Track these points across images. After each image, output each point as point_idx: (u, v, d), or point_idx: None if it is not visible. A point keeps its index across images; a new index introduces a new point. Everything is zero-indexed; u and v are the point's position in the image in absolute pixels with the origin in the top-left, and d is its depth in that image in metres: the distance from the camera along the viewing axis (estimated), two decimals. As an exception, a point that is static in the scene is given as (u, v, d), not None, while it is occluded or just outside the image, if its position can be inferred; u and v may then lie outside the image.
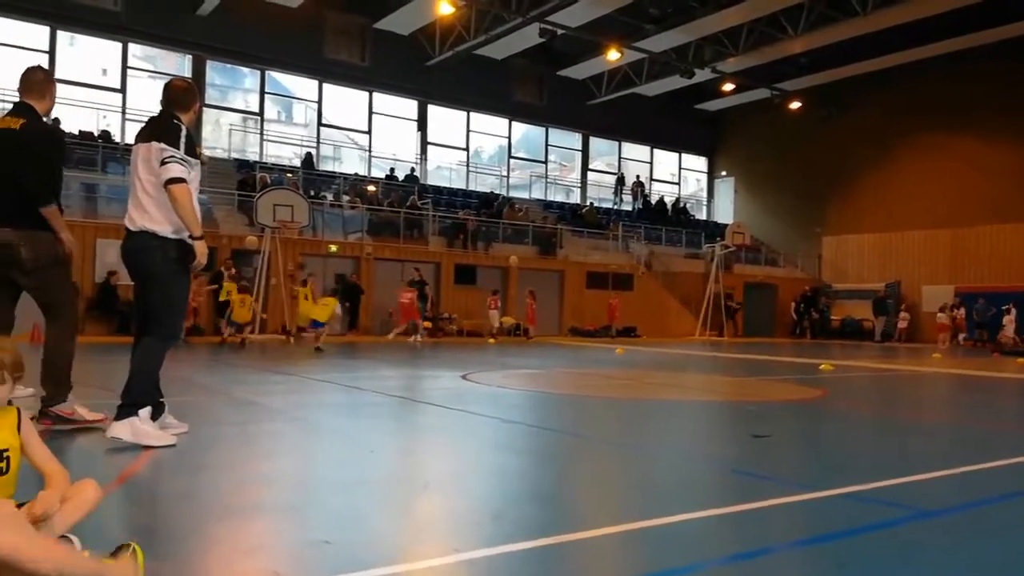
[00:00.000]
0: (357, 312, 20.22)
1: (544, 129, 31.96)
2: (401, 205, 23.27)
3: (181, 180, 4.24)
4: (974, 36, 24.68)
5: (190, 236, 4.37)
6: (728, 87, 29.94)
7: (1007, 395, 9.89)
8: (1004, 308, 23.19)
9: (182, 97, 4.60)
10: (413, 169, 27.54)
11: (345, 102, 27.28)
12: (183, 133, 4.37)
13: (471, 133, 29.97)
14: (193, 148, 4.44)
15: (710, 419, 6.94)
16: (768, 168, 33.55)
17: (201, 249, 4.41)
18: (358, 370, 10.64)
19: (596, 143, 33.68)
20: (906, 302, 27.50)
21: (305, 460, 4.35)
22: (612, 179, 33.52)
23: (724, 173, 36.31)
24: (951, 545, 2.90)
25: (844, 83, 29.31)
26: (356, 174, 26.34)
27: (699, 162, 36.89)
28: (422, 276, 19.48)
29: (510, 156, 31.24)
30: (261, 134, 25.70)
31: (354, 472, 3.93)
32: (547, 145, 32.26)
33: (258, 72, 25.63)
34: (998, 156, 26.26)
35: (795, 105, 30.33)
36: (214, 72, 25.25)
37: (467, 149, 29.95)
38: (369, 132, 27.54)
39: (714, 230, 31.02)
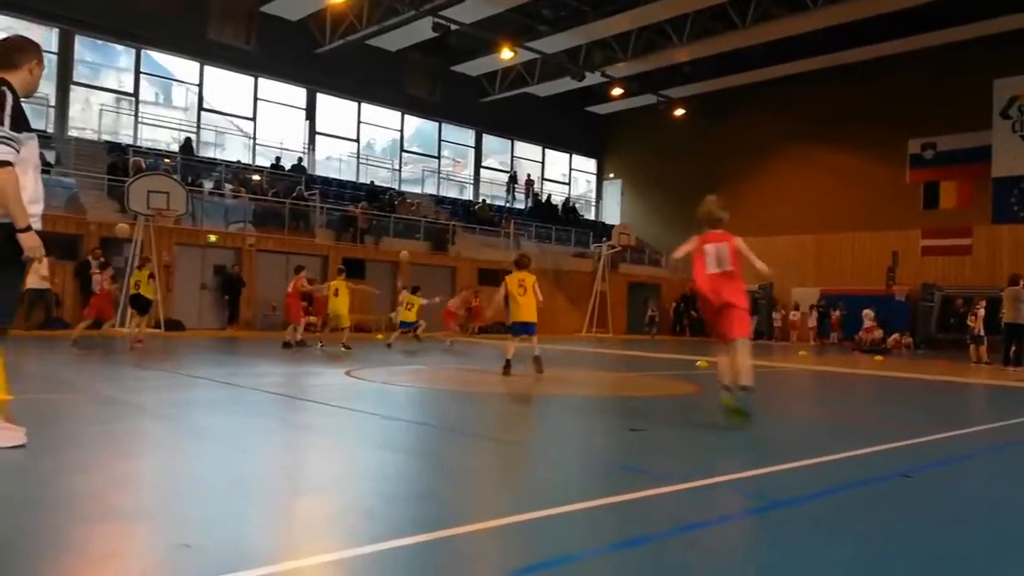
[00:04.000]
0: (237, 305, 19.42)
1: (437, 124, 31.76)
2: (287, 195, 22.53)
3: (5, 164, 3.67)
4: (839, 55, 26.44)
5: (16, 228, 3.77)
6: (617, 92, 30.75)
7: (861, 390, 10.68)
8: (863, 310, 25.27)
9: (9, 53, 3.93)
10: (300, 159, 26.71)
11: (229, 86, 26.10)
12: (8, 101, 3.72)
13: (362, 125, 29.39)
14: (23, 119, 3.81)
15: (591, 413, 7.11)
16: (653, 172, 34.74)
17: (28, 243, 3.79)
18: (236, 366, 10.22)
19: (489, 140, 33.79)
20: (779, 302, 29.19)
21: (171, 461, 4.12)
22: (505, 177, 33.76)
23: (612, 175, 37.29)
24: (807, 532, 3.09)
25: (724, 92, 30.73)
26: (239, 162, 25.27)
27: (589, 163, 37.71)
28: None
29: (402, 150, 30.87)
30: (136, 116, 24.22)
31: (223, 473, 3.77)
32: (440, 140, 32.08)
33: (133, 50, 24.12)
34: (858, 168, 28.30)
35: (679, 112, 31.52)
36: (84, 48, 23.57)
37: (358, 141, 29.35)
38: (254, 119, 26.50)
39: (602, 230, 31.80)
